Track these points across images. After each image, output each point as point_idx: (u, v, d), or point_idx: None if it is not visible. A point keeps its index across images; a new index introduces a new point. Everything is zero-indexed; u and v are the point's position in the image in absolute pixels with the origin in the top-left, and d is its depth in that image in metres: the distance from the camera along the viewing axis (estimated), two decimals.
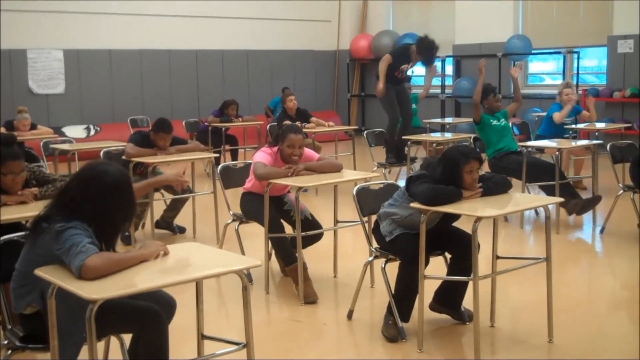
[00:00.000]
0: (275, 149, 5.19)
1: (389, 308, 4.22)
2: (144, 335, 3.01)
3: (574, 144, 7.59)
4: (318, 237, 5.21)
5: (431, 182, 4.02)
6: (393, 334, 4.15)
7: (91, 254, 2.73)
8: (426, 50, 8.77)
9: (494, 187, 4.19)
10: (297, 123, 8.89)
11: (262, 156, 5.14)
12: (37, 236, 2.94)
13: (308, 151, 5.31)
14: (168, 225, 6.73)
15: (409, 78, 9.58)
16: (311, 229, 5.09)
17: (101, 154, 6.88)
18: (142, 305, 3.00)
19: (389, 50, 14.53)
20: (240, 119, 10.45)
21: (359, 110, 16.30)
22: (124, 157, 6.41)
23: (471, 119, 10.78)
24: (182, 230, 6.79)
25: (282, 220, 5.21)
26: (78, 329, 2.82)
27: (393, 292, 4.21)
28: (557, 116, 8.37)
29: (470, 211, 3.89)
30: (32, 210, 4.08)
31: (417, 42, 8.94)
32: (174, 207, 6.67)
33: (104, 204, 2.95)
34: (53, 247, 2.83)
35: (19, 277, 3.00)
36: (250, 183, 5.28)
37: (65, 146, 7.87)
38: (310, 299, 4.86)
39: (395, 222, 4.21)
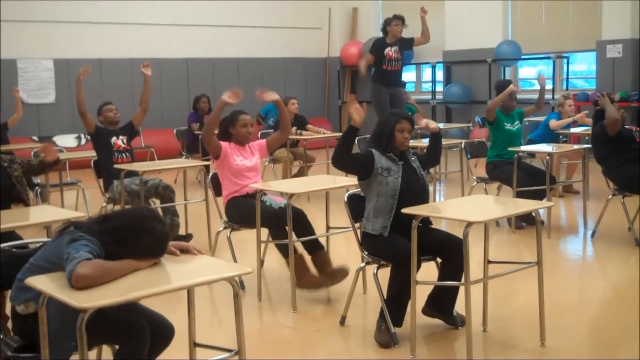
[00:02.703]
0: (228, 143, 5.51)
1: (382, 314, 4.22)
2: (124, 348, 3.02)
3: (565, 148, 7.61)
4: (303, 219, 5.16)
5: (359, 157, 4.33)
6: (386, 339, 4.15)
7: (82, 259, 2.73)
8: (394, 17, 9.10)
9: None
10: (293, 129, 8.94)
11: None
12: (59, 236, 2.99)
13: (257, 141, 5.74)
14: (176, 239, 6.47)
15: (399, 71, 9.45)
16: (295, 216, 5.06)
17: (92, 163, 6.87)
18: (128, 317, 3.00)
19: None
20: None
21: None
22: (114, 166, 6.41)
23: (461, 124, 10.83)
24: (189, 236, 6.61)
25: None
26: (68, 337, 2.81)
27: (385, 297, 4.21)
28: (554, 123, 8.41)
29: (461, 216, 3.89)
30: (24, 219, 4.10)
31: (383, 22, 9.10)
32: (165, 217, 6.56)
33: (130, 250, 2.95)
34: (64, 252, 2.84)
35: (28, 269, 3.00)
36: (226, 190, 5.49)
37: None
38: (321, 285, 4.99)
39: (372, 217, 4.30)
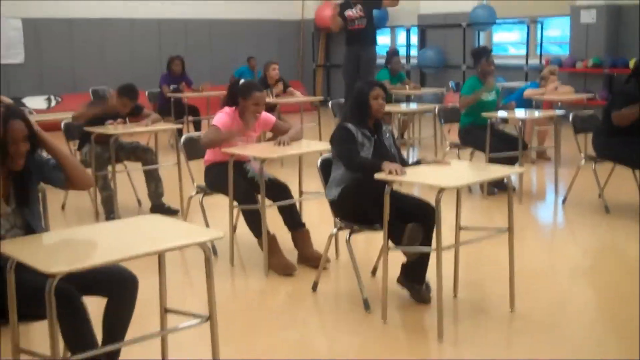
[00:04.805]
0: (234, 108, 5.19)
1: (407, 276, 4.29)
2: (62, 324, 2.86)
3: (537, 114, 7.64)
4: (287, 194, 5.12)
5: (350, 141, 4.24)
6: (426, 296, 4.24)
7: None
8: None
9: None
10: (268, 91, 8.86)
11: (220, 118, 5.15)
12: None
13: (265, 114, 5.35)
14: (161, 208, 6.44)
15: (363, 29, 9.02)
16: (277, 188, 5.06)
17: (62, 125, 6.77)
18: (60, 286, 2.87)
19: None
20: (186, 85, 10.32)
21: (324, 80, 16.23)
22: (84, 128, 6.31)
23: (435, 89, 10.81)
24: (174, 211, 6.45)
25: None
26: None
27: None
28: (529, 92, 8.54)
29: (434, 181, 3.90)
30: None
31: None
32: (149, 184, 6.51)
33: None
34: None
35: None
36: (210, 154, 5.24)
37: None
38: (288, 270, 4.84)
39: (335, 185, 4.33)
